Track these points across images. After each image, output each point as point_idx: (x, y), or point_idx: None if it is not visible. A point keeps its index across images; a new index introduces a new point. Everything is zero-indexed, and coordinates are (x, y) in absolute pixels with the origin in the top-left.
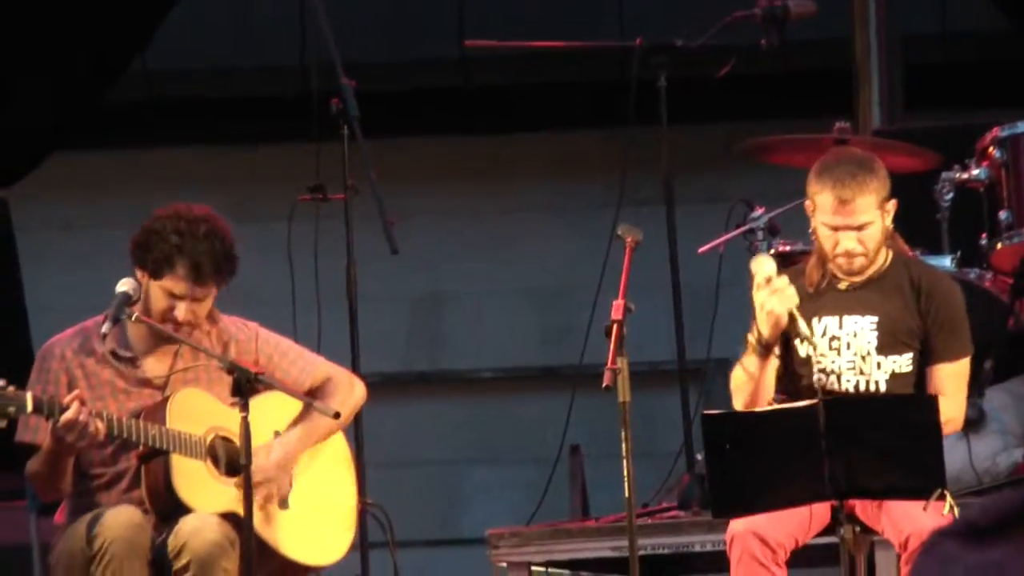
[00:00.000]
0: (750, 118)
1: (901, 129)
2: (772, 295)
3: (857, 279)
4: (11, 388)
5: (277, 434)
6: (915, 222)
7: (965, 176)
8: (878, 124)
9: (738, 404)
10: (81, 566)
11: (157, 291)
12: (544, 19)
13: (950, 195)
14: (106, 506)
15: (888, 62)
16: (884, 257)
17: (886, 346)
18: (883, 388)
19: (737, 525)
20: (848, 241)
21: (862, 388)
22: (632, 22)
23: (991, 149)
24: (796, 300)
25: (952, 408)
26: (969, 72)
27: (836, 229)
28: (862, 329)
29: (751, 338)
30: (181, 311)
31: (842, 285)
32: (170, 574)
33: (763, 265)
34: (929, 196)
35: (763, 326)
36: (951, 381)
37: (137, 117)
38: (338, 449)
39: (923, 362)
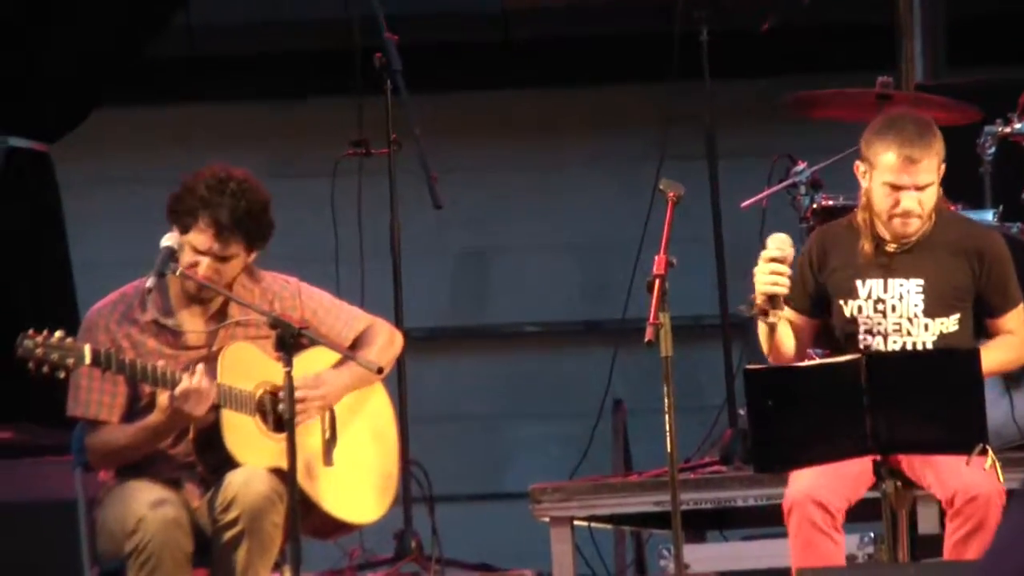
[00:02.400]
0: (792, 72)
1: (944, 83)
2: (768, 275)
3: (907, 241)
4: (69, 340)
5: None
6: (957, 177)
7: (1008, 130)
8: (921, 78)
9: (768, 357)
10: (121, 545)
11: (185, 247)
12: None
13: (992, 149)
14: (146, 494)
15: (931, 16)
16: (931, 219)
17: (932, 309)
18: (930, 349)
19: (795, 492)
20: (909, 201)
21: (909, 347)
22: None
23: None
24: (786, 290)
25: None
26: (1012, 26)
27: (898, 188)
28: (908, 292)
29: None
30: (202, 267)
31: (889, 247)
32: (215, 530)
33: (775, 242)
34: (971, 150)
35: (757, 296)
36: (1020, 325)
37: (179, 73)
38: (381, 407)
39: (982, 315)
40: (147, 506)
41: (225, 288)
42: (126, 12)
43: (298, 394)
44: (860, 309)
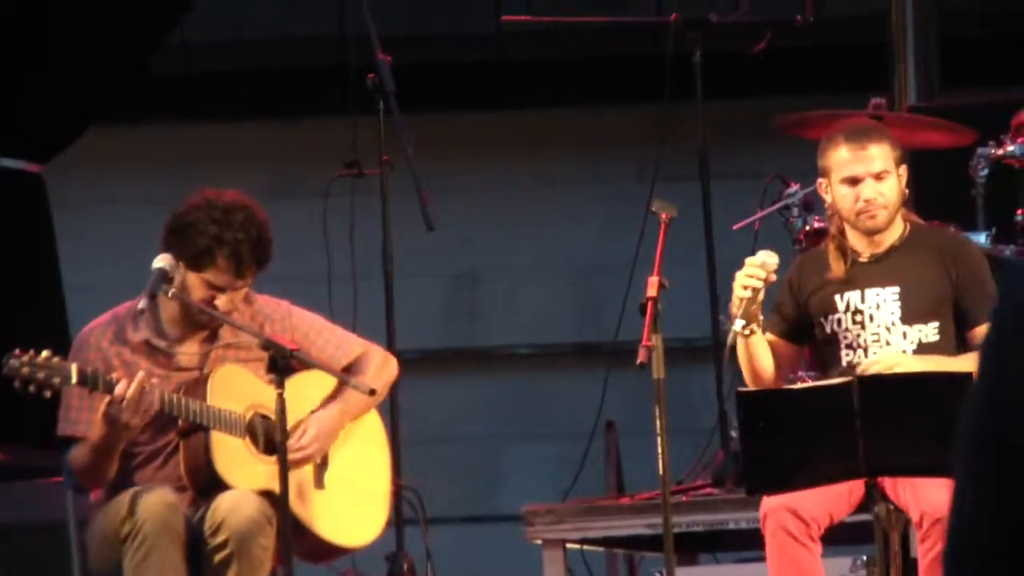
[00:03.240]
0: (785, 94)
1: (937, 105)
2: (744, 278)
3: (878, 249)
4: (56, 359)
5: (314, 412)
6: (950, 198)
7: (1000, 152)
8: (914, 100)
9: (746, 378)
10: (115, 545)
11: (196, 281)
12: None
13: (985, 171)
14: (141, 486)
15: (924, 37)
16: (902, 228)
17: (910, 316)
18: None
19: (771, 500)
20: (868, 190)
21: None
22: None
23: None
24: (754, 300)
25: None
26: (1006, 48)
27: (855, 181)
28: (884, 300)
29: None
30: (222, 301)
31: (863, 259)
32: (205, 552)
33: (762, 256)
34: (964, 172)
35: (732, 304)
36: None
37: (174, 90)
38: (374, 430)
39: (960, 326)
40: (141, 492)
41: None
42: (124, 35)
43: (293, 450)
44: (839, 323)
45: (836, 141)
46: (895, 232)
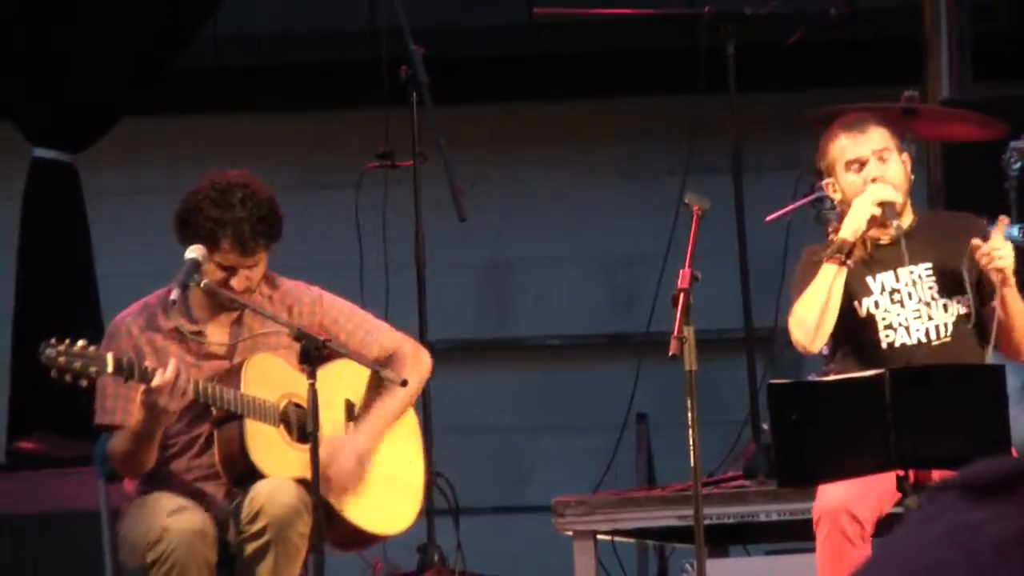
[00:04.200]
0: (818, 86)
1: (969, 98)
2: (869, 204)
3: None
4: (92, 348)
5: (349, 403)
6: (983, 191)
7: None
8: (947, 93)
9: (809, 320)
10: (142, 562)
11: (210, 267)
12: None
13: (1018, 164)
14: (173, 503)
15: (957, 30)
16: (911, 215)
17: (945, 289)
18: (951, 331)
19: (827, 501)
20: (875, 168)
21: (932, 335)
22: None
23: None
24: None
25: None
26: None
27: (860, 164)
28: (919, 277)
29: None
30: (237, 281)
31: (884, 240)
32: (241, 540)
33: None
34: (997, 165)
35: (848, 221)
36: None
37: (206, 84)
38: (408, 420)
39: (986, 305)
40: (170, 516)
41: (248, 291)
42: (151, 34)
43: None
44: (877, 304)
45: (833, 134)
46: (907, 218)
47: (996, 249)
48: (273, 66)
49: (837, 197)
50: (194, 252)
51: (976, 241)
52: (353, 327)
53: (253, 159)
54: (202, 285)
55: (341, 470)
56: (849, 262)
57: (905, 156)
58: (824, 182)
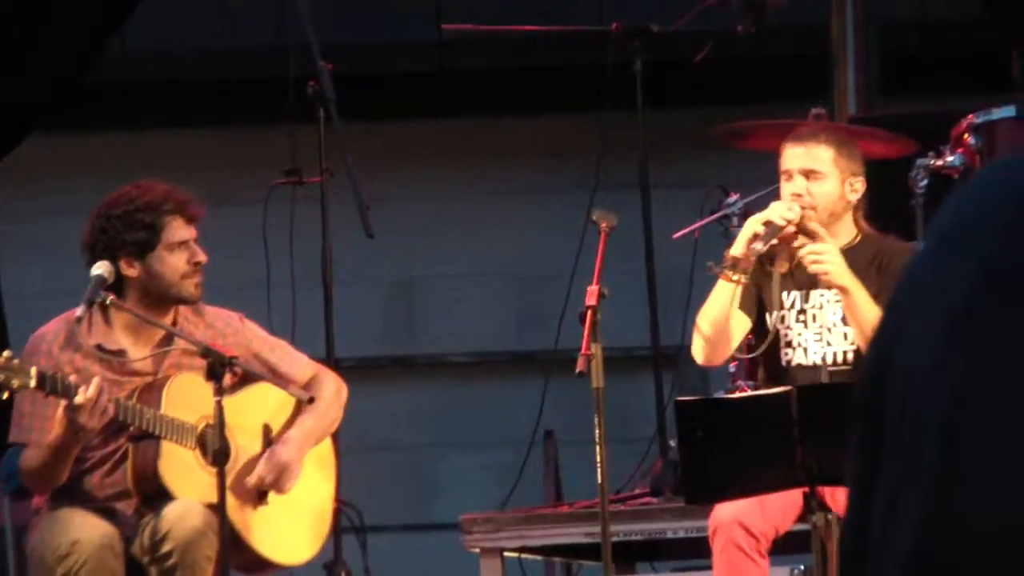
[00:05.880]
0: (726, 103)
1: (877, 115)
2: (756, 224)
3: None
4: (16, 360)
5: (267, 427)
6: (890, 209)
7: (940, 163)
8: (854, 110)
9: (705, 336)
10: (53, 569)
11: (165, 256)
12: (521, 3)
13: (925, 182)
14: (82, 515)
15: (865, 48)
16: (853, 235)
17: None
18: (850, 358)
19: (721, 515)
20: (795, 186)
21: (828, 359)
22: (609, 7)
23: (966, 136)
24: (762, 248)
25: None
26: (946, 58)
27: (789, 177)
28: (828, 301)
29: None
30: (200, 253)
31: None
32: (149, 562)
33: (782, 207)
34: (904, 183)
35: (735, 248)
36: None
37: (113, 99)
38: (323, 449)
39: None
40: (81, 530)
41: (170, 316)
42: (60, 45)
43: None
44: (783, 320)
45: (787, 140)
46: (843, 237)
47: (818, 252)
48: (179, 82)
49: None
50: (99, 269)
51: (801, 240)
52: (275, 357)
53: (159, 176)
54: (108, 302)
55: (264, 473)
56: (737, 277)
57: (857, 181)
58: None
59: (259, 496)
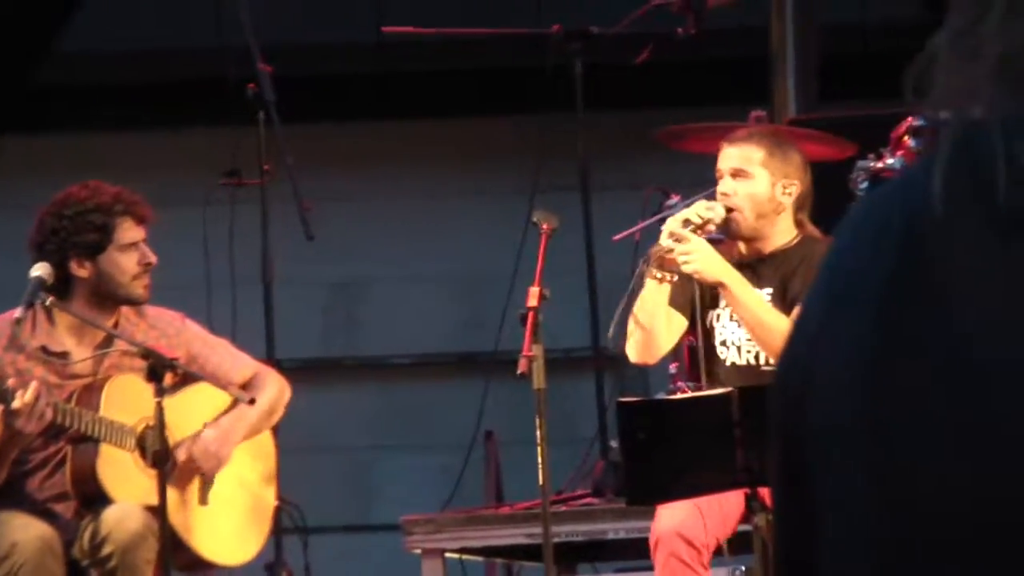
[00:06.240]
0: (667, 105)
1: (817, 118)
2: (676, 223)
3: (761, 253)
4: None
5: (206, 426)
6: (830, 210)
7: (880, 165)
8: (794, 112)
9: (634, 336)
10: None
11: (117, 257)
12: (461, 5)
13: (865, 184)
14: (20, 517)
15: (805, 51)
16: (790, 237)
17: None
18: None
19: (662, 527)
20: (723, 185)
21: (761, 359)
22: (549, 9)
23: (906, 138)
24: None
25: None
26: (886, 61)
27: (720, 176)
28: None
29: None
30: (150, 254)
31: (746, 259)
32: (88, 565)
33: (713, 204)
34: (844, 185)
35: (659, 246)
36: None
37: (49, 101)
38: (264, 450)
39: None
40: (21, 532)
41: (112, 317)
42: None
43: (196, 462)
44: (718, 318)
45: (723, 140)
46: (779, 237)
47: (685, 252)
48: (118, 84)
49: None
50: (39, 270)
51: (662, 241)
52: (217, 358)
53: (97, 177)
54: (47, 303)
55: (189, 458)
56: (661, 275)
57: (790, 185)
58: None
59: (201, 498)
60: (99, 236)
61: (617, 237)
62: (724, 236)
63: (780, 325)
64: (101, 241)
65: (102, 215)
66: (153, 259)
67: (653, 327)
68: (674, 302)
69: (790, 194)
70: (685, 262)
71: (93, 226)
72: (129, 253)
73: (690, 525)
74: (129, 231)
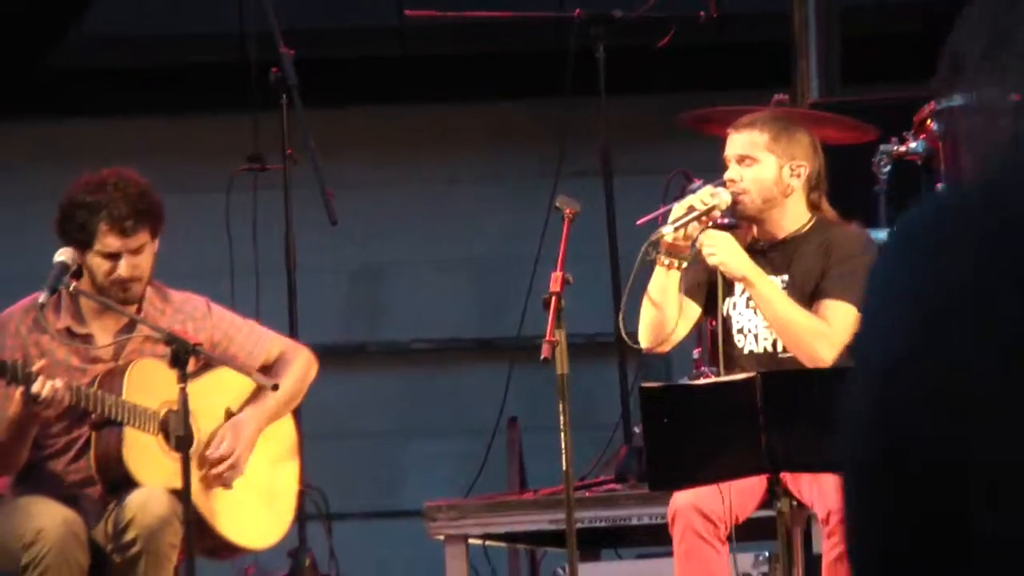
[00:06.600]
0: (689, 90)
1: (839, 101)
2: (682, 210)
3: (775, 238)
4: None
5: (229, 412)
6: (853, 195)
7: (903, 149)
8: (816, 96)
9: (644, 321)
10: (14, 558)
11: (95, 260)
12: None
13: (888, 168)
14: (45, 503)
15: (826, 34)
16: (804, 221)
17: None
18: None
19: (679, 501)
20: (731, 171)
21: (779, 347)
22: None
23: (929, 122)
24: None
25: (824, 347)
26: (908, 44)
27: (727, 163)
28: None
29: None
30: (123, 268)
31: (760, 245)
32: (113, 549)
33: (718, 189)
34: (867, 169)
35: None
36: (834, 318)
37: (72, 86)
38: (287, 433)
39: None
40: (47, 518)
41: (137, 299)
42: (18, 26)
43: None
44: (735, 306)
45: (729, 127)
46: (793, 222)
47: (711, 244)
48: (141, 69)
49: None
50: (63, 255)
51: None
52: (243, 338)
53: (121, 163)
54: (71, 289)
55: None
56: (669, 262)
57: (799, 167)
58: None
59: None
60: (83, 235)
61: (640, 221)
62: (732, 219)
63: (798, 319)
64: (86, 239)
65: (85, 214)
66: (123, 273)
67: (663, 313)
68: (687, 290)
69: (799, 176)
70: (711, 254)
71: (76, 223)
72: (105, 261)
73: (708, 499)
74: (106, 239)
